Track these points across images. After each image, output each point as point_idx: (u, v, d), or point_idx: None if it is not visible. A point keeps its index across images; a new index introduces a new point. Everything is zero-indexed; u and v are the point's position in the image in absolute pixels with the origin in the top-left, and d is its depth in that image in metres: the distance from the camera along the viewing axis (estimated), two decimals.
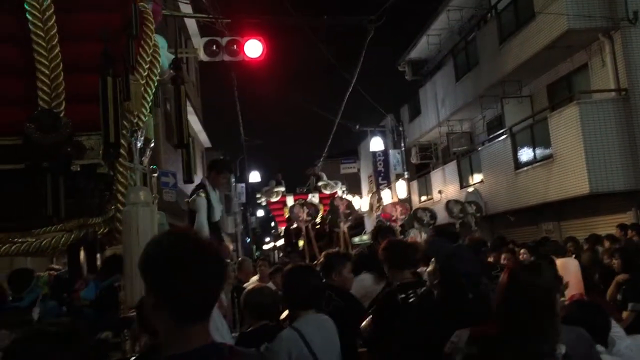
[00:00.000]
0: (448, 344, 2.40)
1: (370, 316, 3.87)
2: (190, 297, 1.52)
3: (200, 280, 1.52)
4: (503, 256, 7.94)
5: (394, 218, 13.80)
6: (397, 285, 3.85)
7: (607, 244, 8.84)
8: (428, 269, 3.41)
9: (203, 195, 5.23)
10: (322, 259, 4.39)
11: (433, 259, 3.29)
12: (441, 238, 3.91)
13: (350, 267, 4.36)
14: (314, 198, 18.29)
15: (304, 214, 12.92)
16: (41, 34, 4.39)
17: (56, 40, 4.43)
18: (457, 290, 3.01)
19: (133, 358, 3.60)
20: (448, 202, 15.77)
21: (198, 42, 15.13)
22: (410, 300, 3.58)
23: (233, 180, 30.79)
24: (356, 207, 16.96)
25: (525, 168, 14.68)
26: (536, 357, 2.16)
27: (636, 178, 11.97)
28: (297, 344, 2.95)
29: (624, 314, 5.58)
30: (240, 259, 9.92)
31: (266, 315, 3.56)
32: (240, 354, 1.64)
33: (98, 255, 5.69)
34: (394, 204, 15.36)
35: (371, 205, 16.96)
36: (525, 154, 14.79)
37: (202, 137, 22.87)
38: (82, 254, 5.14)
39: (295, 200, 18.45)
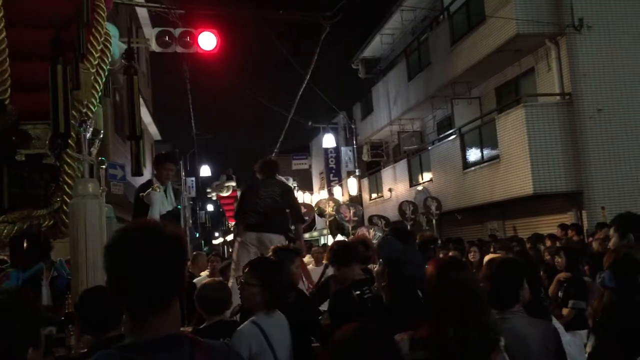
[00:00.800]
0: None
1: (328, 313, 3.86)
2: (138, 289, 1.50)
3: (150, 272, 1.48)
4: (451, 253, 8.12)
5: (347, 218, 14.14)
6: (351, 282, 3.86)
7: (548, 242, 9.16)
8: (376, 269, 3.46)
9: (158, 190, 5.17)
10: (270, 254, 4.37)
11: (381, 260, 3.33)
12: (392, 238, 3.93)
13: (299, 262, 4.33)
14: None
15: None
16: None
17: (2, 25, 4.27)
18: (404, 293, 3.05)
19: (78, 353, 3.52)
20: (401, 204, 16.08)
21: (150, 32, 14.81)
22: (366, 296, 3.59)
23: (183, 174, 30.33)
24: (307, 203, 17.06)
25: (473, 168, 15.02)
26: (473, 348, 2.22)
27: (577, 180, 12.42)
28: (258, 338, 2.94)
29: (564, 311, 5.79)
30: (195, 252, 9.81)
31: (221, 310, 3.53)
32: (203, 345, 1.58)
33: None
34: (348, 206, 15.69)
35: (322, 210, 17.18)
36: (473, 154, 15.13)
37: (152, 129, 22.46)
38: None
39: None
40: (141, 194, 5.37)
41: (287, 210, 6.26)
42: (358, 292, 3.60)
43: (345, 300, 3.69)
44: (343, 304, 3.68)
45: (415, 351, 2.29)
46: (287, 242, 5.72)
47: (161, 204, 5.68)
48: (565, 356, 2.61)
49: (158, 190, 5.23)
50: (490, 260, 3.15)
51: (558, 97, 13.06)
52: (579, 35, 12.65)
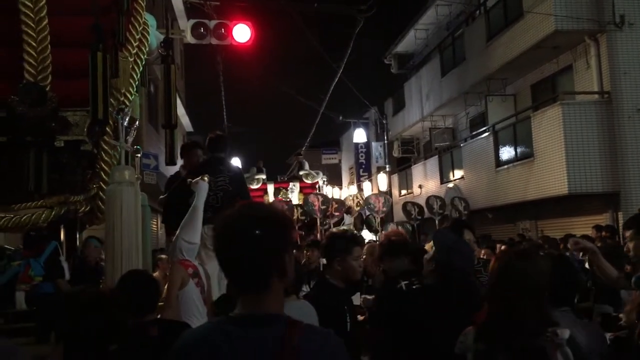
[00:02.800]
0: (457, 344, 2.40)
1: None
2: (235, 270, 1.63)
3: (244, 256, 1.58)
4: (482, 252, 8.01)
5: (376, 209, 14.00)
6: (399, 273, 3.71)
7: None
8: (426, 256, 3.46)
9: (207, 179, 5.11)
10: (324, 241, 3.98)
11: (433, 246, 3.35)
12: (446, 229, 3.91)
13: (359, 252, 3.72)
14: (295, 187, 18.32)
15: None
16: (30, 5, 4.29)
17: (44, 12, 4.34)
18: (449, 279, 3.05)
19: None
20: (429, 198, 15.97)
21: (184, 24, 14.93)
22: (415, 287, 3.52)
23: None
24: (337, 199, 17.03)
25: (506, 166, 14.80)
26: (531, 340, 2.18)
27: (614, 181, 12.14)
28: None
29: None
30: None
31: None
32: (300, 325, 1.63)
33: (77, 235, 5.61)
34: (377, 196, 15.58)
35: (350, 208, 17.10)
36: (507, 152, 14.91)
37: (185, 120, 22.67)
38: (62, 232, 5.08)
39: (275, 189, 18.48)
40: (189, 180, 5.24)
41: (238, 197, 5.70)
42: (406, 282, 3.52)
43: (392, 289, 3.59)
44: (390, 293, 3.59)
45: (478, 342, 2.27)
46: None
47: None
48: None
49: (206, 180, 5.16)
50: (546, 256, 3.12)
51: (596, 96, 12.77)
52: (619, 32, 12.33)
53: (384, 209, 14.26)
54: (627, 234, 3.45)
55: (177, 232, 4.77)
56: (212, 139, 5.88)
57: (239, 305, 1.64)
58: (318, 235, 14.13)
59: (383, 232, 14.37)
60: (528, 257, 2.37)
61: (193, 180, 5.03)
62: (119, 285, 3.16)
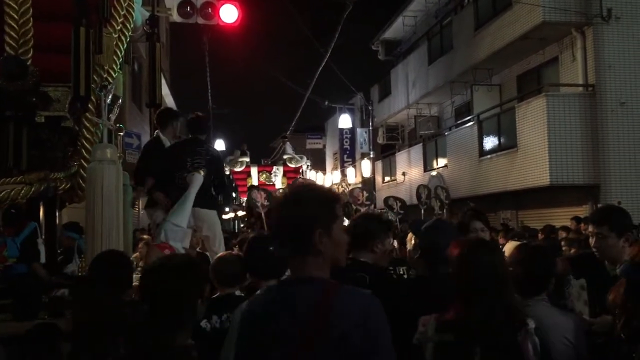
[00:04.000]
0: (416, 334, 2.34)
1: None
2: (276, 239, 1.96)
3: (283, 227, 1.88)
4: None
5: (360, 202, 14.17)
6: (390, 261, 3.57)
7: (562, 234, 9.09)
8: (409, 247, 3.39)
9: (202, 173, 5.06)
10: (357, 220, 3.55)
11: (414, 235, 3.26)
12: (420, 220, 3.81)
13: (390, 238, 3.45)
14: (279, 171, 18.28)
15: (262, 199, 13.01)
16: None
17: None
18: (437, 265, 2.91)
19: None
20: (418, 187, 16.02)
21: (171, 2, 14.70)
22: (405, 276, 3.41)
23: None
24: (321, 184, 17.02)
25: (489, 156, 14.89)
26: (499, 330, 2.18)
27: (595, 173, 12.28)
28: None
29: None
30: None
31: (231, 284, 3.50)
32: (336, 286, 1.80)
33: (57, 213, 5.52)
34: (361, 189, 15.68)
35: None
36: (490, 142, 14.99)
37: (169, 100, 22.41)
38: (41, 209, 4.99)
39: (259, 172, 18.42)
40: (185, 174, 5.19)
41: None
42: (400, 272, 3.41)
43: (384, 278, 3.28)
44: (382, 283, 3.21)
45: (441, 333, 2.24)
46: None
47: None
48: (584, 351, 2.54)
49: (202, 174, 5.11)
50: (523, 245, 3.12)
51: (581, 88, 12.87)
52: (606, 25, 12.41)
53: (367, 202, 14.40)
54: (597, 229, 3.02)
55: (166, 217, 4.79)
56: (193, 120, 5.87)
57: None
58: None
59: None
60: (488, 247, 2.37)
61: (189, 174, 5.05)
62: (92, 265, 3.12)
